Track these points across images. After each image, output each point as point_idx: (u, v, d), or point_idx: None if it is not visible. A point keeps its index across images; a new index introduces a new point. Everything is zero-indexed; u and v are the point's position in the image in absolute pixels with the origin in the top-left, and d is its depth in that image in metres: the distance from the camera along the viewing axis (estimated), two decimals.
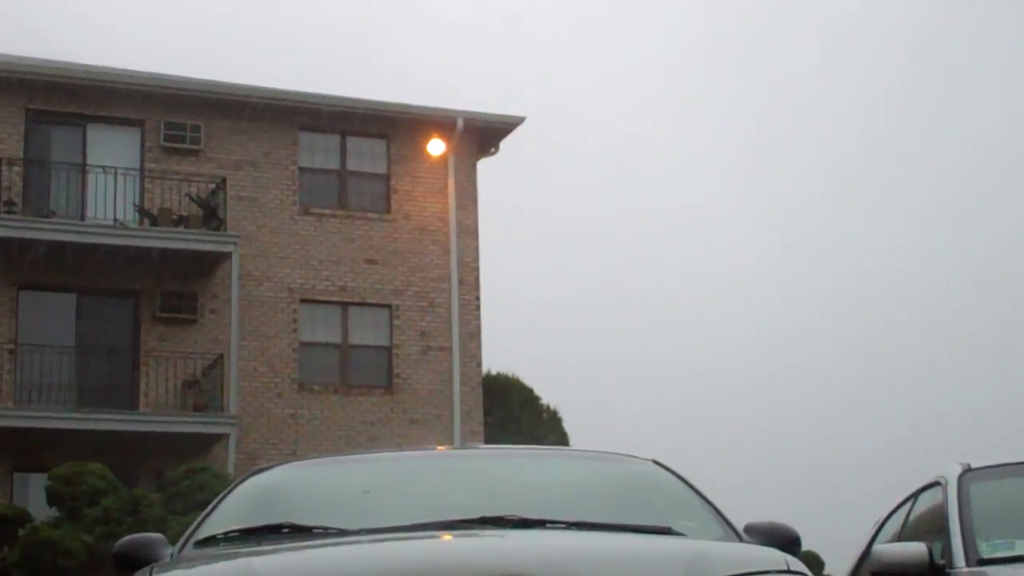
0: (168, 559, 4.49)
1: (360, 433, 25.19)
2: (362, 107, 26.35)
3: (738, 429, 40.65)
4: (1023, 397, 37.39)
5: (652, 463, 5.22)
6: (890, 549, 6.39)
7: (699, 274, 48.33)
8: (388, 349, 26.05)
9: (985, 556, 6.10)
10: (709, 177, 52.40)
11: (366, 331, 26.06)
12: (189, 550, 4.53)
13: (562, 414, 30.03)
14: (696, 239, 50.72)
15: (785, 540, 4.56)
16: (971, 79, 54.76)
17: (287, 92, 26.18)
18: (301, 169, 26.19)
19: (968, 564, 6.06)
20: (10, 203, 23.95)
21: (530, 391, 29.89)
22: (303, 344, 25.56)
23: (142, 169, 25.10)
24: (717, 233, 51.24)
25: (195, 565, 4.15)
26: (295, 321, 25.51)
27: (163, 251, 24.11)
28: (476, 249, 26.87)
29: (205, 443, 23.64)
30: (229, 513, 4.79)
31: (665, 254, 49.34)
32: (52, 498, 19.40)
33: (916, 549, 6.23)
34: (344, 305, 25.98)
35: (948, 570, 6.12)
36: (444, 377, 26.06)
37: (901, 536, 7.12)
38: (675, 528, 4.45)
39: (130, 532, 6.52)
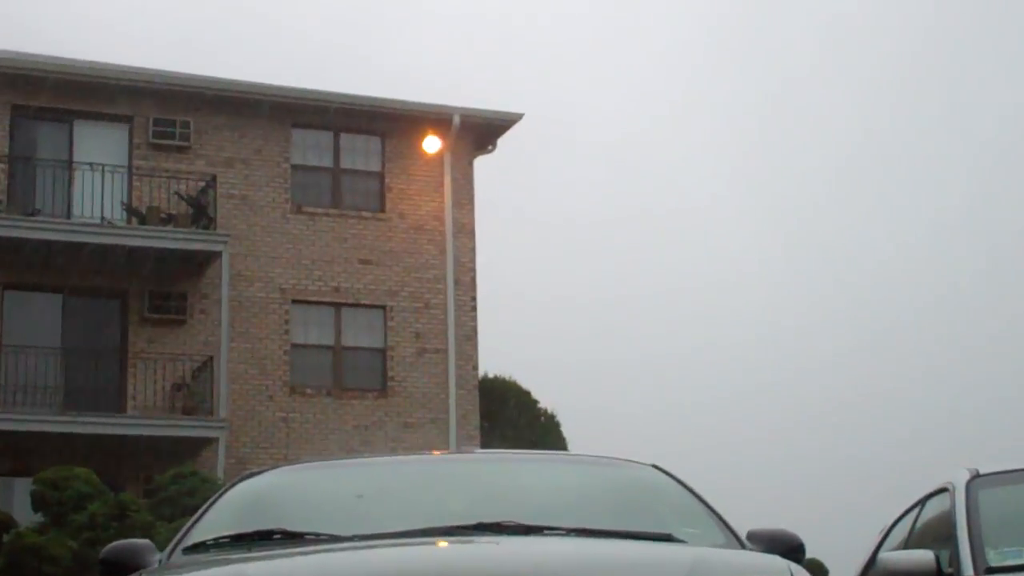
0: (156, 566, 4.49)
1: (353, 437, 25.18)
2: (356, 103, 26.34)
3: (740, 433, 40.65)
4: None
5: (652, 468, 5.22)
6: (896, 557, 6.39)
7: (700, 275, 48.35)
8: (382, 351, 26.05)
9: (994, 564, 6.10)
10: (710, 176, 52.44)
11: (360, 333, 26.06)
12: (178, 556, 4.53)
13: (560, 418, 30.05)
14: (697, 239, 50.76)
15: (789, 547, 4.56)
16: (977, 77, 54.83)
17: (279, 88, 26.18)
18: (293, 167, 26.19)
19: (976, 572, 6.06)
20: None
21: (527, 394, 29.90)
22: (295, 346, 25.55)
23: (130, 166, 25.08)
24: (718, 233, 51.29)
25: (184, 572, 4.14)
26: (287, 322, 25.51)
27: (151, 250, 24.09)
28: (473, 249, 26.87)
29: (194, 447, 23.62)
30: (219, 519, 4.78)
31: (665, 254, 49.37)
32: (37, 503, 19.39)
33: (923, 557, 6.23)
34: (337, 306, 25.98)
35: None
36: (440, 380, 26.06)
37: (908, 543, 7.12)
38: (676, 535, 4.45)
39: (117, 538, 6.52)
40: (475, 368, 26.63)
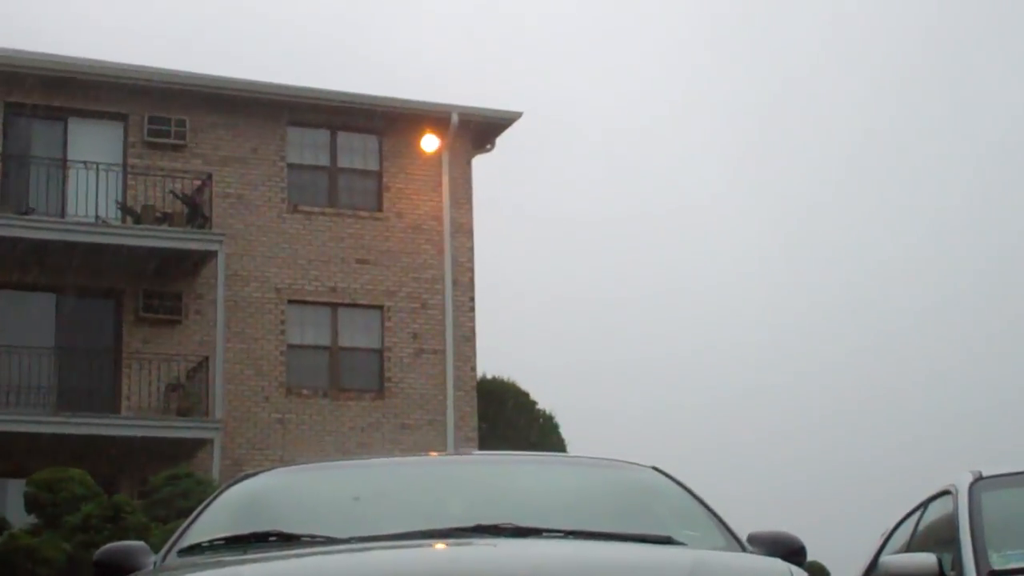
0: (151, 568, 4.49)
1: (350, 439, 25.18)
2: (353, 101, 26.34)
3: (741, 435, 40.66)
4: None
5: (652, 470, 5.22)
6: (898, 560, 6.39)
7: (700, 275, 48.38)
8: (379, 352, 26.05)
9: (997, 567, 6.10)
10: (711, 176, 52.45)
11: (357, 333, 26.06)
12: (172, 559, 4.53)
13: (559, 419, 30.03)
14: (697, 239, 50.77)
15: (789, 550, 4.57)
16: (981, 76, 54.84)
17: (276, 86, 26.18)
18: (290, 165, 26.19)
19: None
20: None
21: (526, 395, 29.88)
22: (291, 346, 25.55)
23: (125, 165, 25.08)
24: (718, 233, 51.29)
25: (179, 574, 4.14)
26: (283, 323, 25.50)
27: (146, 250, 24.08)
28: (471, 249, 26.87)
29: (189, 448, 23.62)
30: (214, 520, 4.78)
31: (666, 254, 49.38)
32: (30, 505, 19.38)
33: (925, 560, 6.23)
34: (334, 306, 25.97)
35: None
36: (437, 381, 26.05)
37: (910, 547, 7.13)
38: (676, 537, 4.45)
39: (111, 540, 6.53)
40: (473, 369, 26.63)
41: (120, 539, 6.69)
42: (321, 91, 26.25)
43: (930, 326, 45.17)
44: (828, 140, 53.66)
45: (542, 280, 46.06)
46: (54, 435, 22.62)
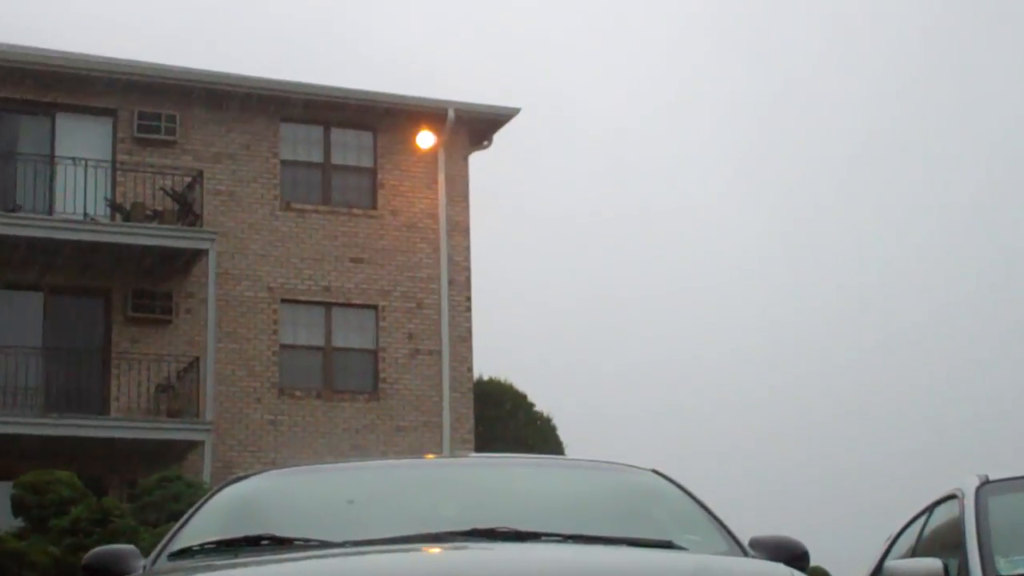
0: (140, 572, 4.49)
1: (344, 441, 25.17)
2: (347, 97, 26.34)
3: (743, 438, 40.67)
4: None
5: (652, 473, 5.22)
6: (903, 565, 6.40)
7: (700, 275, 48.39)
8: (374, 352, 26.05)
9: (1004, 573, 6.11)
10: (711, 173, 52.45)
11: (350, 333, 26.06)
12: (163, 563, 4.53)
13: (557, 421, 30.06)
14: (697, 238, 50.78)
15: (792, 555, 4.57)
16: (986, 75, 54.86)
17: (268, 81, 26.17)
18: (283, 162, 26.18)
19: None
20: None
21: (523, 397, 29.90)
22: (284, 347, 25.54)
23: (114, 161, 25.07)
24: (718, 232, 51.31)
25: None
26: (275, 322, 25.50)
27: (136, 248, 24.07)
28: (467, 247, 26.87)
29: (179, 450, 23.62)
30: (205, 524, 4.78)
31: (665, 253, 49.41)
32: (17, 507, 19.37)
33: (931, 565, 6.24)
34: (327, 306, 25.97)
35: None
36: (433, 382, 26.06)
37: (915, 551, 7.13)
38: (676, 542, 4.45)
39: (100, 544, 6.51)
40: (469, 370, 26.63)
41: (109, 543, 6.68)
42: (315, 86, 26.25)
43: (935, 327, 45.19)
44: (830, 139, 53.69)
45: (540, 279, 46.08)
46: (41, 437, 22.61)
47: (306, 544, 4.39)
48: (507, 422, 28.80)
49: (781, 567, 4.19)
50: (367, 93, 26.50)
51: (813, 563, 4.86)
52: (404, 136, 26.69)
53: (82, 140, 25.03)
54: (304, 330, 25.81)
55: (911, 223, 51.15)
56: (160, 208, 24.64)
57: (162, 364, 24.36)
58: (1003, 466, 7.04)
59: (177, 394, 24.18)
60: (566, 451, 28.53)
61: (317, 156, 26.56)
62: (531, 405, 29.90)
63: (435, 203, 26.68)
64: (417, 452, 24.09)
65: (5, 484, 21.01)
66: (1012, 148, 52.56)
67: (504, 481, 5.20)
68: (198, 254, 24.54)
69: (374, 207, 26.52)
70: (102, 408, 24.12)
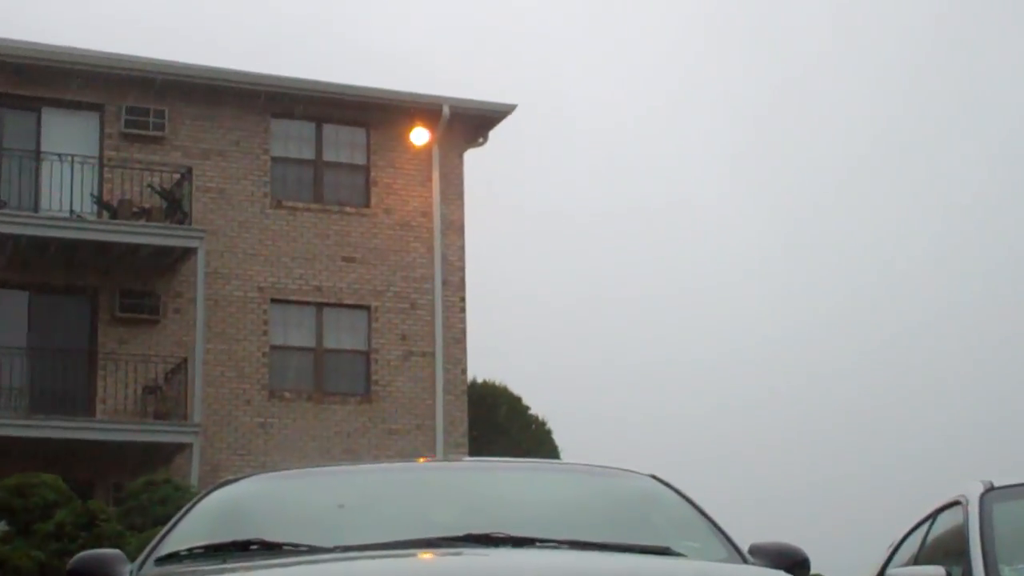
0: None
1: (335, 444, 25.17)
2: (340, 92, 26.33)
3: (743, 443, 40.70)
4: None
5: (650, 478, 5.22)
6: (906, 573, 6.40)
7: (700, 275, 48.42)
8: (366, 354, 26.04)
9: None
10: (710, 171, 52.50)
11: (342, 334, 26.05)
12: (149, 568, 4.52)
13: (552, 425, 30.07)
14: (697, 238, 50.82)
15: (792, 562, 4.58)
16: (991, 74, 54.93)
17: (259, 75, 26.16)
18: (273, 159, 26.18)
19: None
20: None
21: (518, 400, 29.91)
22: (274, 348, 25.54)
23: (101, 157, 25.05)
24: (719, 231, 51.35)
25: None
26: (265, 323, 25.49)
27: (123, 246, 24.06)
28: (462, 247, 26.87)
29: (167, 453, 23.61)
30: (193, 528, 4.77)
31: (664, 253, 49.44)
32: (1, 511, 19.35)
33: (934, 573, 6.24)
34: (319, 306, 25.96)
35: None
36: (426, 384, 26.05)
37: (918, 559, 7.14)
38: (675, 548, 4.45)
39: (85, 548, 6.51)
40: (464, 372, 26.63)
41: (95, 547, 6.68)
42: (307, 81, 26.23)
43: (938, 330, 45.24)
44: (831, 138, 53.75)
45: (536, 280, 46.11)
46: (26, 439, 22.60)
47: (296, 549, 4.38)
48: (502, 426, 28.80)
49: (781, 574, 4.19)
50: (360, 89, 26.50)
51: (814, 570, 4.86)
52: (398, 133, 26.69)
53: (68, 135, 25.01)
54: (295, 331, 25.80)
55: (914, 224, 51.21)
56: (148, 206, 24.62)
57: (149, 365, 24.35)
58: (1008, 472, 7.04)
59: (165, 396, 24.18)
60: (562, 456, 28.52)
61: (309, 153, 26.56)
62: (526, 408, 29.91)
63: (429, 201, 26.67)
64: (410, 456, 24.09)
65: None
66: (1016, 148, 52.63)
67: (499, 486, 5.19)
68: (187, 253, 24.53)
69: (367, 205, 26.51)
70: (88, 410, 24.11)
